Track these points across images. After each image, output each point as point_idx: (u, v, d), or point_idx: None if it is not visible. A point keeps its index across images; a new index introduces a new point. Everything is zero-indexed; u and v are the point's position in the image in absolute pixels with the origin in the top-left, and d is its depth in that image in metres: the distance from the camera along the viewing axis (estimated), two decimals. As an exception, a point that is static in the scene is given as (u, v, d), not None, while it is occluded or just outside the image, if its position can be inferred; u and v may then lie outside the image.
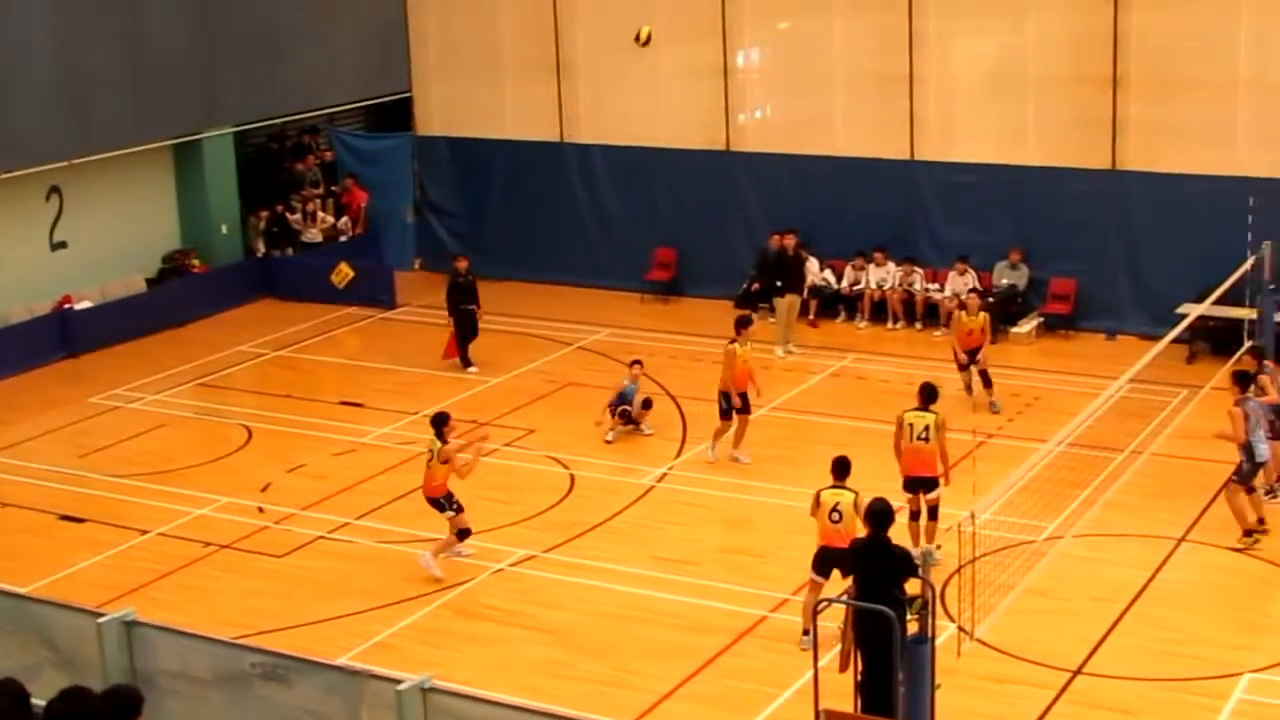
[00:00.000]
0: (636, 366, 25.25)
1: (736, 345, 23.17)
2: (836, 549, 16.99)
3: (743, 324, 23.66)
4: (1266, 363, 21.59)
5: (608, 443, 24.29)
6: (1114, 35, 28.55)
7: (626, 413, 24.81)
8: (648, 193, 32.95)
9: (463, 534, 20.09)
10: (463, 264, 28.38)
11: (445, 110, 34.92)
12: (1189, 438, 22.62)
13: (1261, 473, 20.81)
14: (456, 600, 19.39)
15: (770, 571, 19.94)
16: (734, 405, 23.17)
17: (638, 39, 28.57)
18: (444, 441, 19.95)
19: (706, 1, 31.71)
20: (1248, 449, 20.00)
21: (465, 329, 28.18)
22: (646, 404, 25.02)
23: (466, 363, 28.17)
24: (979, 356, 25.26)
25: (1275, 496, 21.16)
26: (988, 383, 25.27)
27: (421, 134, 35.15)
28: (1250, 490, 20.19)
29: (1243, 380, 20.46)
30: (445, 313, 28.38)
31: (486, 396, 26.75)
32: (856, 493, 17.43)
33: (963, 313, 25.60)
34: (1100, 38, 28.67)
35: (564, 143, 33.60)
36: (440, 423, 20.22)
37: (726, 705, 16.90)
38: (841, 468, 17.91)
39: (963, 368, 25.48)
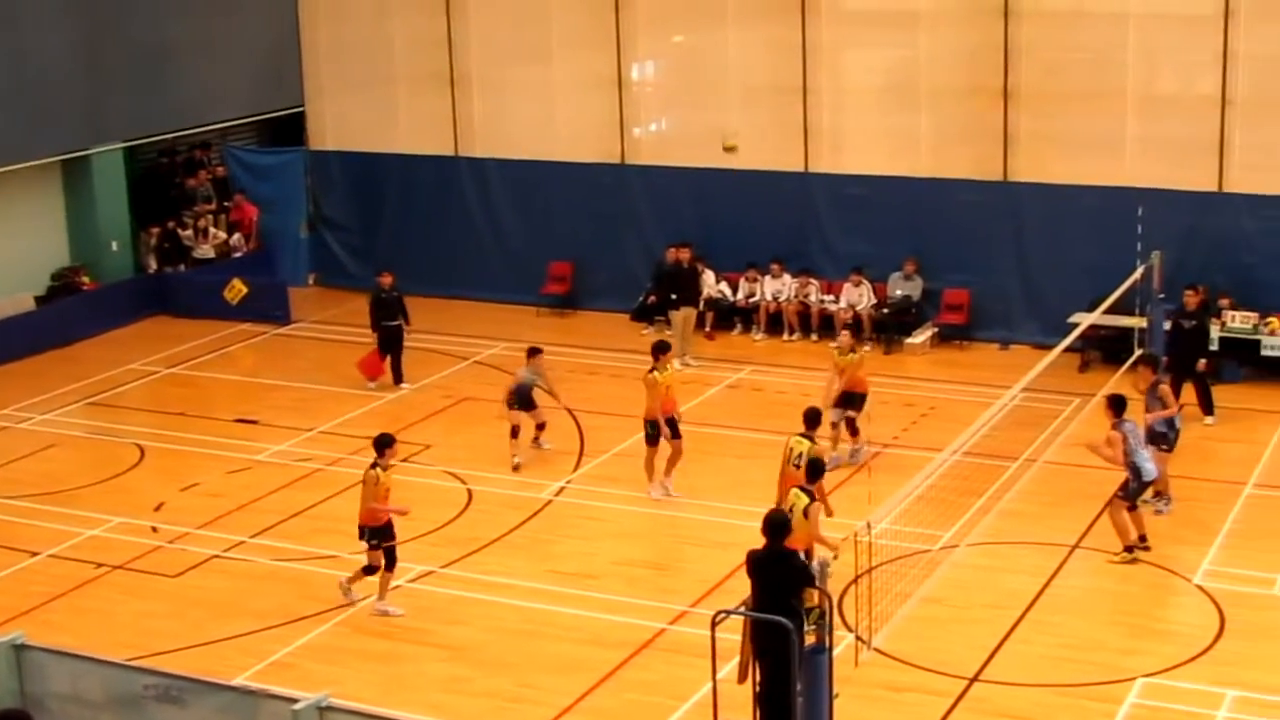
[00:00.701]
0: (536, 356, 24.45)
1: (656, 373, 22.57)
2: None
3: (660, 350, 23.03)
4: (1160, 375, 21.75)
5: (515, 469, 23.89)
6: (1005, 48, 28.83)
7: (524, 398, 24.14)
8: (543, 206, 32.90)
9: (370, 569, 19.32)
10: (386, 280, 27.90)
11: (338, 124, 34.72)
12: (1081, 446, 22.81)
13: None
14: (354, 618, 19.22)
15: (669, 584, 19.92)
16: (661, 433, 22.53)
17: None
18: (384, 465, 19.16)
19: (600, 14, 31.71)
20: (1134, 468, 20.00)
21: (388, 345, 27.93)
22: (540, 425, 24.49)
23: (398, 379, 27.85)
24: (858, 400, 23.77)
25: (1161, 512, 21.34)
26: (853, 430, 23.79)
27: (314, 149, 34.92)
28: (1133, 508, 20.26)
29: (1117, 405, 20.19)
30: (347, 329, 28.12)
31: (383, 412, 26.58)
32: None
33: (834, 349, 24.30)
34: (991, 50, 28.94)
35: (458, 156, 33.49)
36: (383, 445, 19.36)
37: (627, 718, 16.86)
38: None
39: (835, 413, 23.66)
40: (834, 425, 23.53)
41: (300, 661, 18.23)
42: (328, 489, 23.11)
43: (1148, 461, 20.16)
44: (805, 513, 17.29)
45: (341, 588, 19.45)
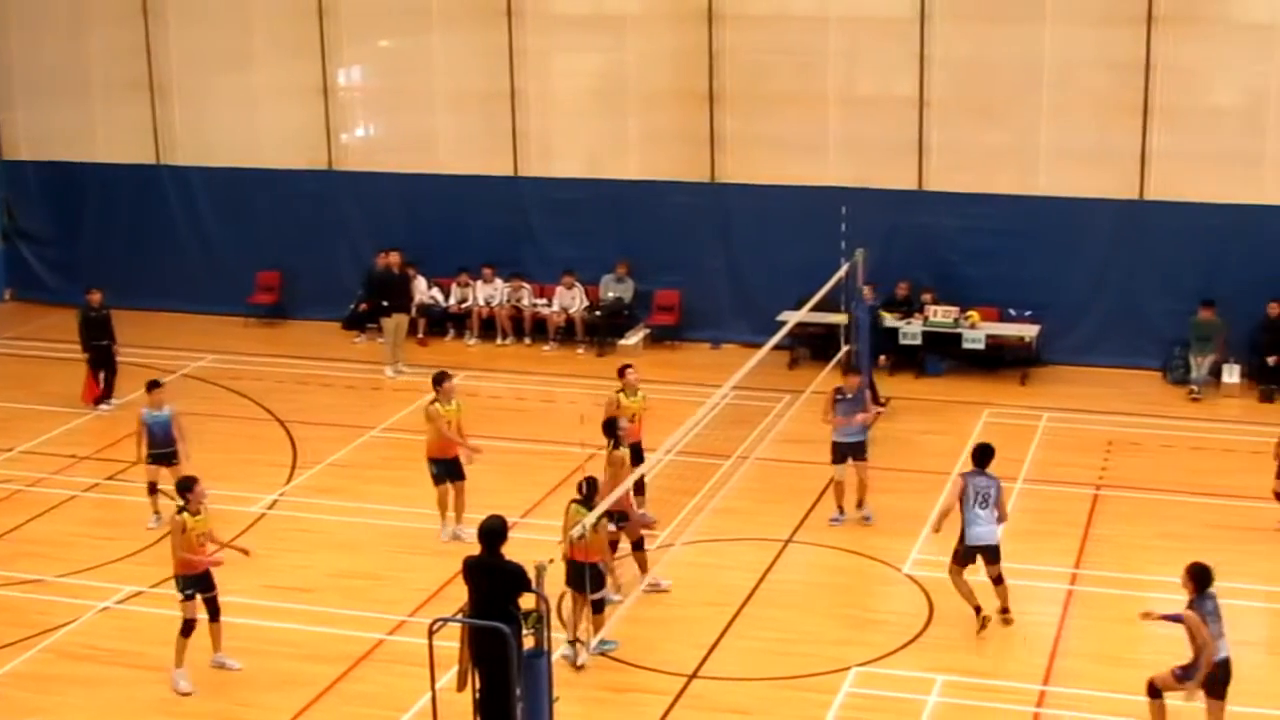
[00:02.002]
0: (156, 390, 21.92)
1: (438, 404, 21.12)
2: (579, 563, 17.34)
3: (439, 380, 21.32)
4: (850, 379, 21.72)
5: (150, 529, 21.62)
6: (709, 51, 29.20)
7: (163, 455, 21.58)
8: (249, 215, 32.37)
9: (186, 627, 17.69)
10: (95, 297, 26.94)
11: (32, 134, 33.71)
12: (792, 441, 23.18)
13: (848, 491, 21.33)
14: (59, 642, 18.61)
15: (386, 594, 19.70)
16: (439, 472, 21.16)
17: None
18: (192, 509, 17.48)
19: (304, 21, 31.32)
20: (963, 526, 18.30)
21: (100, 365, 27.03)
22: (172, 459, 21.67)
23: (107, 397, 26.86)
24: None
25: (866, 519, 21.55)
26: (639, 489, 21.09)
27: (8, 159, 33.86)
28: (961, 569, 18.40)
29: (983, 455, 18.40)
30: (45, 345, 27.27)
31: (86, 429, 25.86)
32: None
33: (621, 395, 21.75)
34: (697, 54, 29.28)
35: (160, 165, 32.79)
36: (183, 489, 17.70)
37: (346, 732, 16.68)
38: (590, 489, 17.63)
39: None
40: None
41: (4, 690, 17.60)
42: (29, 511, 22.38)
43: (975, 524, 18.03)
44: (595, 526, 17.08)
45: (214, 664, 18.05)
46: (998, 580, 18.30)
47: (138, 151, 32.88)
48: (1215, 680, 15.29)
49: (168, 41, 32.41)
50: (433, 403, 21.22)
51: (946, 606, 18.99)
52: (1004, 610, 18.36)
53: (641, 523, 19.42)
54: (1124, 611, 18.46)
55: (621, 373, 21.72)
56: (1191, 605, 15.26)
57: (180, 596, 17.57)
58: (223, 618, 17.89)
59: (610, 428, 19.83)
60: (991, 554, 18.15)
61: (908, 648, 18.17)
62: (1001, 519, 18.21)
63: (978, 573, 18.23)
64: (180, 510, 17.59)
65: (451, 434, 21.01)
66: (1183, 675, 15.45)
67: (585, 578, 17.15)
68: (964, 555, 18.19)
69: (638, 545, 19.12)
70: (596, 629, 17.46)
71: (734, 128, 29.55)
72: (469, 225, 30.99)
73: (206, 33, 32.23)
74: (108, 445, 24.81)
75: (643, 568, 19.19)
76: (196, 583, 17.61)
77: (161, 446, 21.53)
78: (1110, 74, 27.62)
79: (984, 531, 18.03)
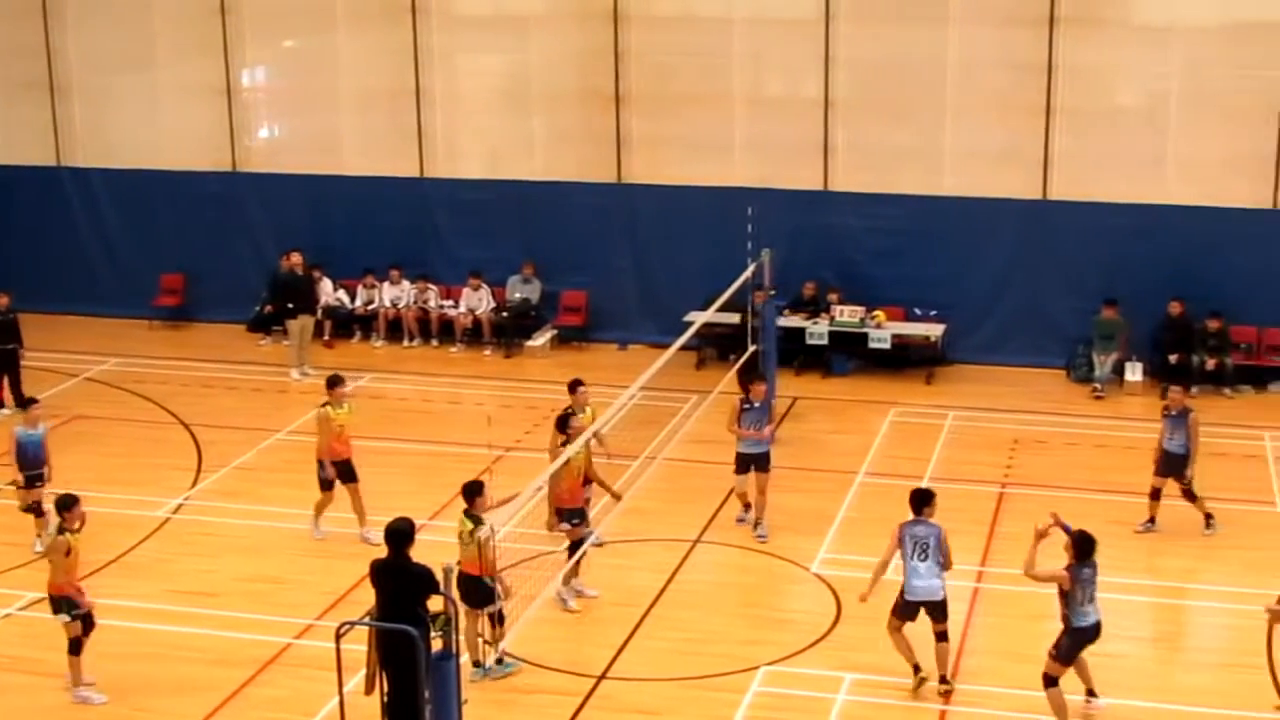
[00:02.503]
0: (33, 407, 21.52)
1: (329, 408, 20.94)
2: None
3: (333, 384, 21.16)
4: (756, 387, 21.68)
5: (38, 553, 20.41)
6: (615, 51, 29.21)
7: (35, 476, 20.85)
8: (151, 217, 32.06)
9: (75, 645, 17.33)
10: (2, 300, 26.51)
11: (-74, 136, 33.29)
12: (700, 442, 23.21)
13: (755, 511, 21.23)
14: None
15: (292, 598, 19.56)
16: (330, 475, 20.92)
17: None
18: (68, 531, 17.07)
19: (206, 21, 31.07)
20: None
21: (3, 368, 26.57)
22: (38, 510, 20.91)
23: (18, 402, 26.08)
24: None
25: (760, 538, 21.29)
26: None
27: (-97, 161, 33.44)
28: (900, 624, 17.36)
29: (920, 501, 17.20)
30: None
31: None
32: (480, 523, 16.81)
33: (575, 419, 20.28)
34: (602, 54, 29.30)
35: (60, 166, 32.42)
36: (63, 508, 17.20)
37: (252, 737, 16.55)
38: (473, 490, 17.24)
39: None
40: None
41: (-97, 698, 17.38)
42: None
43: (916, 577, 16.91)
44: (473, 535, 16.92)
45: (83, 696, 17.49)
46: (941, 637, 16.95)
47: (37, 153, 32.49)
48: (1085, 642, 15.93)
49: (67, 40, 32.06)
50: (324, 405, 21.10)
51: (854, 606, 19.06)
52: (943, 680, 16.95)
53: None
54: (1029, 609, 18.61)
55: (572, 388, 20.70)
56: (1069, 568, 15.76)
57: (66, 619, 17.15)
58: (125, 623, 17.68)
59: (563, 422, 19.77)
60: (936, 610, 16.84)
61: (816, 647, 18.24)
62: (945, 567, 16.89)
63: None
64: (61, 530, 17.14)
65: (326, 445, 20.90)
66: (1057, 654, 15.96)
67: (472, 592, 16.79)
68: (903, 610, 16.92)
69: (574, 547, 19.00)
70: (496, 642, 17.17)
71: (640, 128, 29.58)
72: (375, 226, 30.84)
73: (107, 31, 31.90)
74: (3, 452, 24.50)
75: (574, 572, 19.12)
76: (74, 604, 17.17)
77: (32, 467, 20.84)
78: (1014, 75, 27.85)
79: (924, 586, 16.77)
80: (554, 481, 18.68)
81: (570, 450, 18.38)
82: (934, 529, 16.93)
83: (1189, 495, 21.16)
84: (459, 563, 16.32)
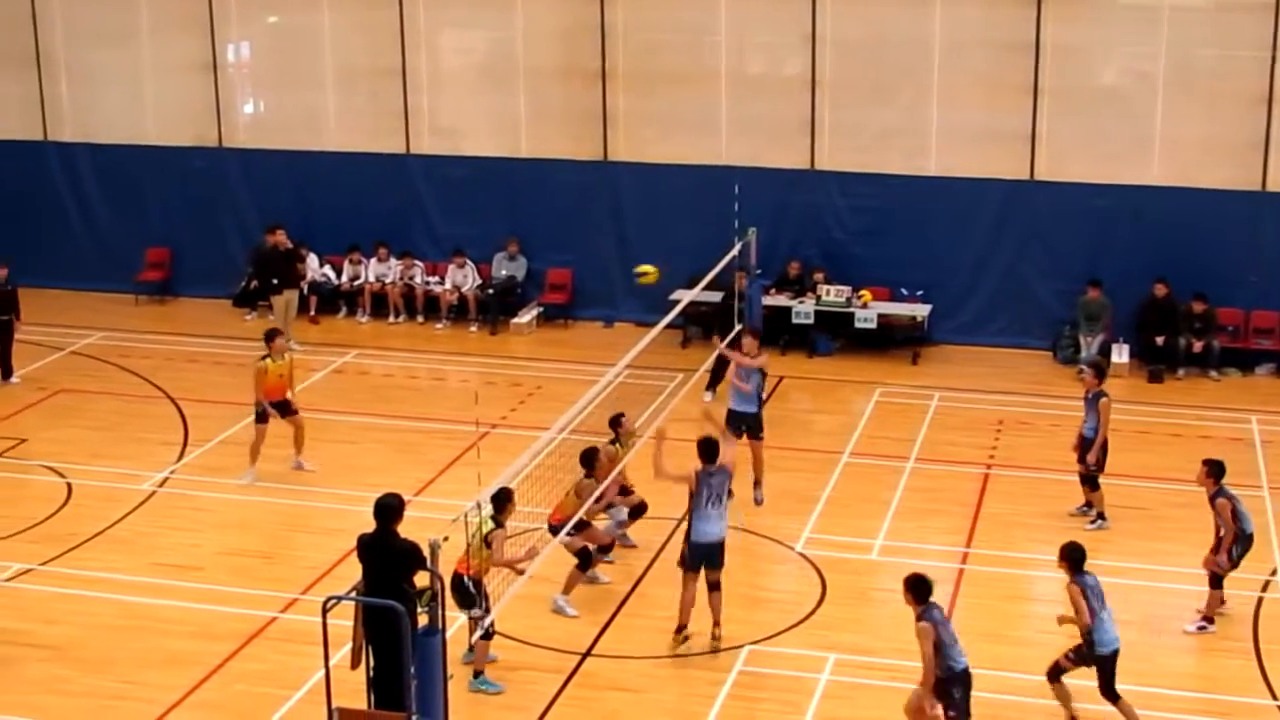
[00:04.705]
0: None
1: (268, 360, 22.11)
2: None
3: (270, 338, 22.38)
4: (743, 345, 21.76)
5: None
6: (601, 29, 29.18)
7: None
8: (136, 192, 32.01)
9: None
10: (1, 272, 26.58)
11: (-86, 109, 33.19)
12: (685, 420, 23.20)
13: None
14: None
15: (278, 572, 19.60)
16: (269, 412, 22.17)
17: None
18: None
19: (192, -6, 31.05)
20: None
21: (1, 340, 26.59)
22: None
23: (7, 375, 26.52)
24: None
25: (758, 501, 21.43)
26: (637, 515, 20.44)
27: (-109, 134, 33.32)
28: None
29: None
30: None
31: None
32: (500, 525, 16.78)
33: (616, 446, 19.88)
34: (588, 31, 29.28)
35: (46, 141, 32.34)
36: None
37: (236, 711, 16.52)
38: (502, 499, 16.77)
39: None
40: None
41: (-113, 670, 17.37)
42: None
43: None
44: (487, 540, 16.77)
45: None
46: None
47: (23, 127, 32.43)
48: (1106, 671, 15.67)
49: (52, 15, 31.96)
50: (263, 358, 22.20)
51: (839, 585, 19.17)
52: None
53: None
54: (1013, 590, 18.70)
55: (617, 422, 20.17)
56: (1073, 581, 15.65)
57: None
58: (110, 595, 17.70)
59: (588, 458, 19.20)
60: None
61: (799, 626, 18.29)
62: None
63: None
64: None
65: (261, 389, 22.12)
66: (1076, 659, 15.82)
67: (463, 591, 16.63)
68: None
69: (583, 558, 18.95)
70: (479, 656, 17.06)
71: (626, 106, 29.58)
72: (360, 203, 30.83)
73: (93, 6, 31.85)
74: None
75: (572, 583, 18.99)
76: None
77: None
78: (1000, 54, 27.88)
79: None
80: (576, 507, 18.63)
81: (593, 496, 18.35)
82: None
83: (1086, 481, 20.93)
84: (475, 565, 16.36)
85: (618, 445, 19.89)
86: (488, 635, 16.74)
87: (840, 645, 17.75)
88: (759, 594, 19.26)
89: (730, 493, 19.28)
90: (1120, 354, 27.20)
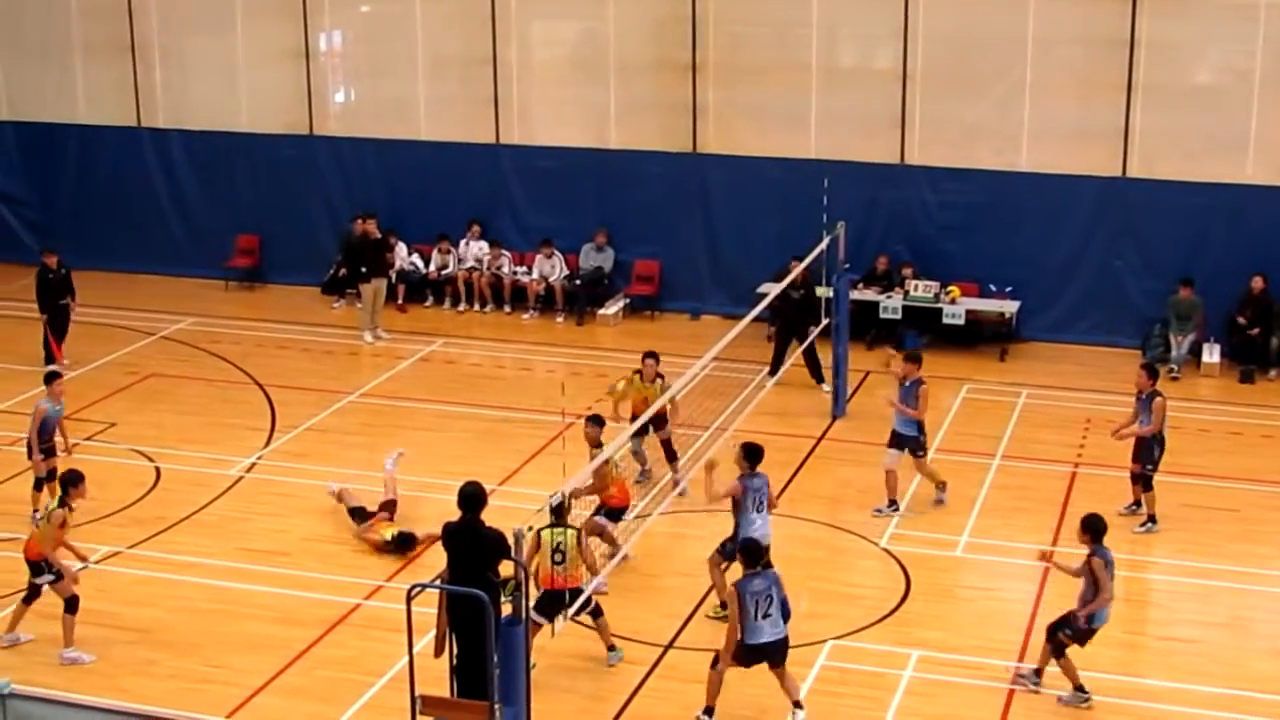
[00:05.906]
0: (56, 382, 20.93)
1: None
2: (559, 591, 16.32)
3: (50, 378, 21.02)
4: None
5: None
6: (692, 21, 29.13)
7: (50, 448, 20.50)
8: (228, 179, 32.25)
9: (71, 603, 17.52)
10: (51, 260, 26.60)
11: (11, 94, 33.49)
12: (771, 414, 23.18)
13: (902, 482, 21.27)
14: (35, 604, 18.50)
15: (361, 560, 19.70)
16: None
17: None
18: (68, 505, 17.45)
19: (285, -18, 31.23)
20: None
21: (58, 326, 26.77)
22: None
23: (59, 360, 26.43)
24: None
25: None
26: (672, 455, 21.71)
27: (-13, 118, 33.73)
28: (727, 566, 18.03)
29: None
30: (19, 305, 27.01)
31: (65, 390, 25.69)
32: (579, 530, 16.72)
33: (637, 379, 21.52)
34: (679, 23, 29.23)
35: (141, 128, 32.61)
36: (69, 483, 17.51)
37: (320, 696, 16.62)
38: (558, 510, 16.38)
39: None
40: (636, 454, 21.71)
41: (-23, 646, 17.59)
42: (5, 471, 22.26)
43: (752, 525, 17.66)
44: (579, 545, 16.67)
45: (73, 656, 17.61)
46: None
47: (118, 113, 32.73)
48: (1084, 635, 16.26)
49: (148, 2, 32.20)
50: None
51: (923, 582, 19.06)
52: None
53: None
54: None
55: (645, 360, 21.25)
56: (1095, 554, 16.20)
57: (49, 579, 17.41)
58: (197, 579, 17.84)
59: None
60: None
61: (883, 622, 18.21)
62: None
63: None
64: (61, 503, 17.47)
65: None
66: (1073, 635, 16.31)
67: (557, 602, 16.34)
68: (732, 552, 17.06)
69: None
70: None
71: (715, 98, 29.51)
72: (449, 192, 30.91)
73: (188, -7, 32.18)
74: (87, 405, 24.75)
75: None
76: (51, 566, 17.42)
77: (50, 439, 20.61)
78: (1094, 50, 27.60)
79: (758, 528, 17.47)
80: (600, 481, 18.93)
81: (609, 451, 17.97)
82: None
83: (1138, 480, 20.73)
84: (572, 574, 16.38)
85: (639, 377, 21.04)
86: (597, 613, 17.12)
87: (924, 642, 17.66)
88: (843, 589, 19.17)
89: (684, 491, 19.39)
90: (1211, 354, 26.88)
